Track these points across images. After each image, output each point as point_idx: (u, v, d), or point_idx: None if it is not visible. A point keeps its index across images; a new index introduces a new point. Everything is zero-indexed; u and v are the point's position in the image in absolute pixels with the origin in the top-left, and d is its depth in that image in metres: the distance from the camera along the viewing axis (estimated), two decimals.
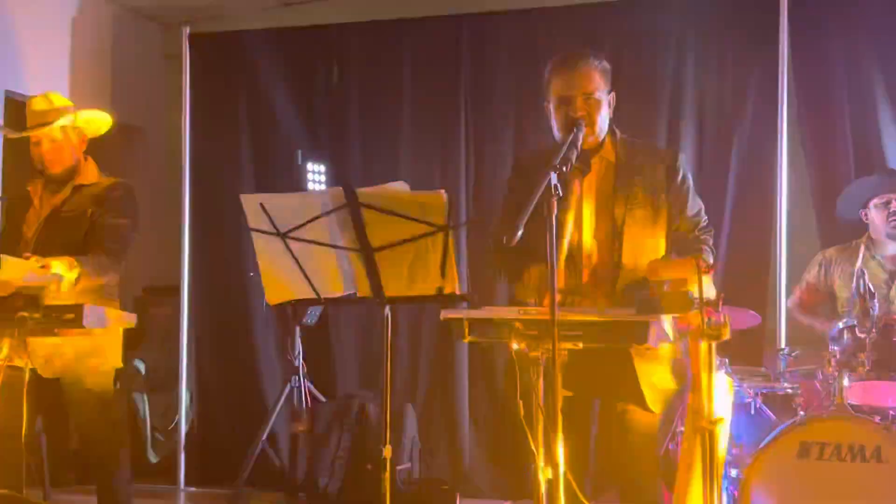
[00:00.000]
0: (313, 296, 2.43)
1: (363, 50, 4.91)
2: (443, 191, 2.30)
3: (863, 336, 3.27)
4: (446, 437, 4.73)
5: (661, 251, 2.84)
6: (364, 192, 2.34)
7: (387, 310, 2.47)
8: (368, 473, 4.26)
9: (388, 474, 2.46)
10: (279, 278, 2.41)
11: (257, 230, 2.35)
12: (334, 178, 4.60)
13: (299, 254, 2.38)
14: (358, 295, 2.45)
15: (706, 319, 2.41)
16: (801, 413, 3.38)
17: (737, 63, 4.45)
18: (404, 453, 4.42)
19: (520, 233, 2.28)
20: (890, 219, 3.76)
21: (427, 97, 4.84)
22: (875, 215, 3.82)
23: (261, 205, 2.31)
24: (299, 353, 4.45)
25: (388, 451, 2.44)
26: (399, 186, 2.33)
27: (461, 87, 4.79)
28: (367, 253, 2.36)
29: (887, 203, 3.78)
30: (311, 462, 4.41)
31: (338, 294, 2.47)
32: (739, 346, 4.19)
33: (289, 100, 4.95)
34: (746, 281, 4.41)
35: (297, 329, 4.47)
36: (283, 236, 2.35)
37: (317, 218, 2.31)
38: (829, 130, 4.36)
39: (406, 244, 2.34)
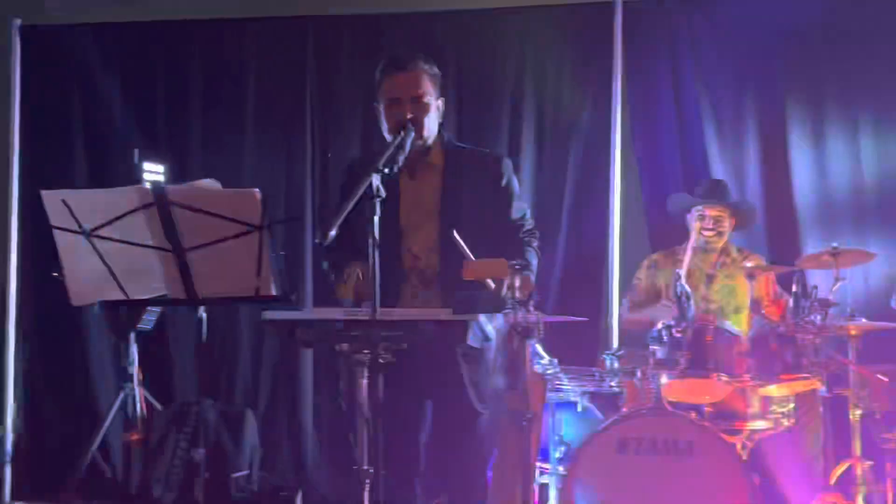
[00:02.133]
0: (122, 297, 2.36)
1: (206, 48, 4.82)
2: (257, 189, 2.27)
3: (679, 336, 3.44)
4: (289, 443, 4.68)
5: (487, 253, 2.91)
6: (174, 189, 2.29)
7: (202, 311, 2.42)
8: (205, 482, 4.17)
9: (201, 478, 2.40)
10: (85, 279, 2.32)
11: (60, 228, 2.26)
12: (174, 178, 4.48)
13: (107, 253, 2.30)
14: (170, 296, 2.39)
15: (519, 318, 2.49)
16: (624, 410, 3.52)
17: (574, 76, 4.61)
18: (244, 460, 4.34)
19: (333, 233, 2.28)
20: (703, 231, 4.00)
21: (272, 97, 4.80)
22: (692, 225, 4.05)
23: (63, 201, 2.22)
24: (134, 358, 4.30)
25: (198, 455, 2.39)
26: (210, 184, 2.29)
27: (307, 88, 4.76)
28: (178, 253, 2.31)
29: (702, 217, 4.01)
30: (145, 472, 4.28)
31: (149, 295, 2.40)
32: (576, 347, 4.34)
33: (127, 96, 4.80)
34: (582, 284, 4.58)
35: (132, 334, 4.32)
36: (88, 235, 2.27)
37: (123, 216, 2.23)
38: (659, 142, 4.58)
39: (220, 244, 2.29)
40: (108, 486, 4.47)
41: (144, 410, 4.32)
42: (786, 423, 3.64)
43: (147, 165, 4.45)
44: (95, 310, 4.04)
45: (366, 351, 2.44)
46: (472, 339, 2.67)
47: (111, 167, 4.75)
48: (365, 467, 2.44)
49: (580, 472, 3.25)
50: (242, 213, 2.26)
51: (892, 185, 4.38)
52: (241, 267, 2.33)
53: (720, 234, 4.01)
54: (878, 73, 4.39)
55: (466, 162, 2.98)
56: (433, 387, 2.88)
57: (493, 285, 2.69)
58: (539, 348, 3.70)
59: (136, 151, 4.44)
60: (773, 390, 3.57)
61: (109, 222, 2.25)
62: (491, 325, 2.77)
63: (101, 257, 2.29)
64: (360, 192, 2.40)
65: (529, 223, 3.05)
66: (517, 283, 2.51)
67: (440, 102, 2.95)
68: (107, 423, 4.32)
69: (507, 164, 3.02)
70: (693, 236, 4.02)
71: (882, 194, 4.38)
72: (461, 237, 2.76)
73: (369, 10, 4.77)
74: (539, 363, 3.59)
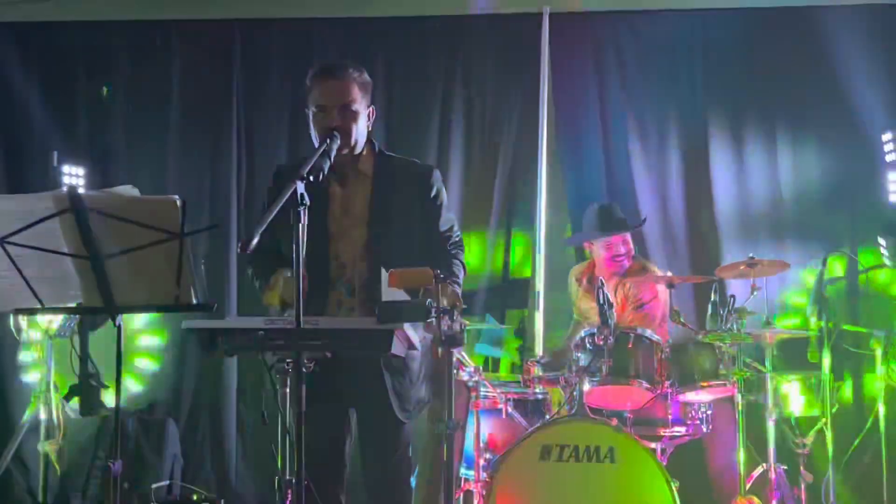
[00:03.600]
0: (37, 305, 2.29)
1: (130, 49, 4.73)
2: (176, 196, 2.23)
3: (601, 343, 3.49)
4: (212, 452, 4.60)
5: (413, 263, 2.90)
6: (91, 195, 2.23)
7: (119, 319, 2.37)
8: (125, 492, 4.08)
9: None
10: None
11: None
12: (95, 182, 4.39)
13: (21, 260, 2.23)
14: (86, 304, 2.33)
15: (443, 327, 2.50)
16: (546, 417, 3.56)
17: (502, 86, 4.67)
18: (165, 470, 4.27)
19: (255, 242, 2.25)
20: (615, 259, 4.09)
21: (198, 101, 4.73)
22: (599, 253, 4.13)
23: None
24: (51, 366, 4.19)
25: (115, 469, 2.34)
26: (127, 190, 2.24)
27: (234, 93, 4.72)
28: (95, 260, 2.25)
29: (608, 246, 4.09)
30: (63, 481, 4.17)
31: (66, 303, 2.34)
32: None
33: (46, 97, 4.68)
34: (510, 291, 4.63)
35: (50, 341, 4.20)
36: (2, 242, 2.20)
37: (39, 222, 2.17)
38: (585, 154, 4.67)
39: (139, 251, 2.24)
40: (24, 497, 4.33)
41: (62, 419, 4.20)
42: (704, 428, 3.72)
43: (66, 168, 4.34)
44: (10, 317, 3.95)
45: (289, 360, 2.41)
46: (397, 348, 2.66)
47: (29, 170, 4.62)
48: (287, 477, 2.41)
49: (504, 479, 3.27)
50: (161, 221, 2.21)
51: (808, 198, 4.54)
52: (160, 275, 2.28)
53: (628, 252, 4.11)
54: (794, 90, 4.55)
55: (396, 171, 2.97)
56: (357, 396, 2.87)
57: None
58: (464, 356, 3.73)
59: (55, 154, 4.33)
60: (692, 396, 3.65)
61: (24, 229, 2.18)
62: (417, 334, 2.77)
63: (14, 265, 2.22)
64: (283, 199, 2.37)
65: (457, 235, 3.05)
66: (442, 292, 2.52)
67: (371, 111, 2.93)
68: (22, 432, 4.20)
69: (437, 175, 3.02)
70: (603, 266, 4.10)
71: (798, 206, 4.54)
72: (388, 245, 2.78)
73: (299, 14, 4.74)
74: (464, 371, 3.61)
